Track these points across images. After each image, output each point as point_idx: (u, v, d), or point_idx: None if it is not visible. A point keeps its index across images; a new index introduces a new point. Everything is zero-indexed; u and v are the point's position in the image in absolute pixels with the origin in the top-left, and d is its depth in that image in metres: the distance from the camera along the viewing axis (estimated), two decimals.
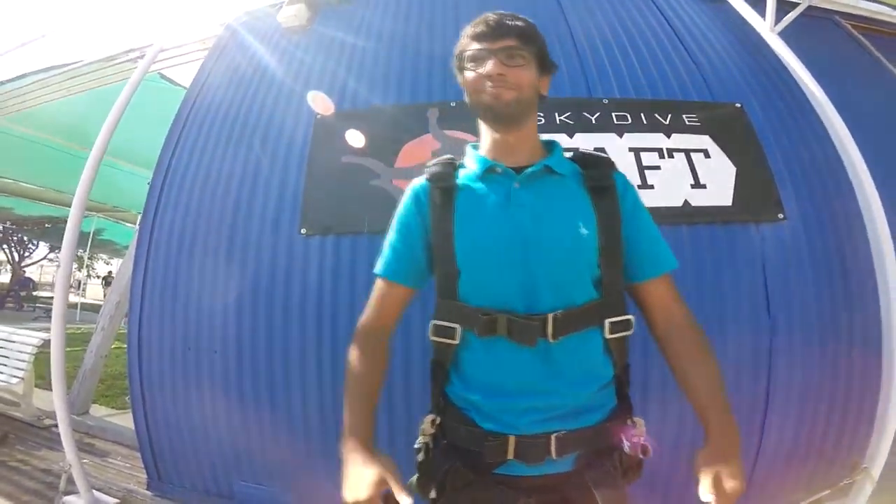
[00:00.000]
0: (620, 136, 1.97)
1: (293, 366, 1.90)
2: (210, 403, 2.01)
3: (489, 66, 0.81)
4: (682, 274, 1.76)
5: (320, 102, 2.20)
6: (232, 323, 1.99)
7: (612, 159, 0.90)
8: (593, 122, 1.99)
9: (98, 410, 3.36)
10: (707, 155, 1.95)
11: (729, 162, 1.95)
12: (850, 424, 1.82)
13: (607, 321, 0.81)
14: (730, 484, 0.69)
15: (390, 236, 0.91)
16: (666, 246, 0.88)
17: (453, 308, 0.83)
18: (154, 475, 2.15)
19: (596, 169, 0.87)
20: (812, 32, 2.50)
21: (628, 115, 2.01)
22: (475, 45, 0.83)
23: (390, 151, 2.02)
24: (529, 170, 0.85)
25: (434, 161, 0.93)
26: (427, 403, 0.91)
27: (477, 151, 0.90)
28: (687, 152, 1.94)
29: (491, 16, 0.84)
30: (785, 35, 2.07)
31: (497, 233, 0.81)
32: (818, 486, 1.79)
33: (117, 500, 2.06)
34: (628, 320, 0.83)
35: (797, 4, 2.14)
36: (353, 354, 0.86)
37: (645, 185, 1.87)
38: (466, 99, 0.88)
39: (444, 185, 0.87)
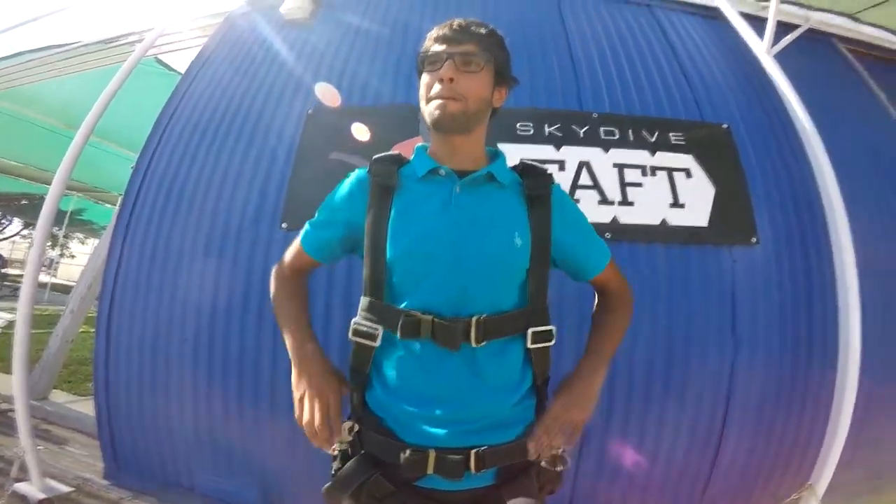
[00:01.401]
0: (606, 150, 2.00)
1: (265, 360, 1.87)
2: (177, 393, 1.97)
3: (442, 70, 0.81)
4: (654, 291, 1.83)
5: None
6: (206, 312, 1.96)
7: (552, 173, 0.93)
8: (581, 135, 2.02)
9: (58, 396, 3.23)
10: (689, 175, 1.99)
11: (709, 183, 1.99)
12: (801, 444, 1.87)
13: (530, 330, 0.82)
14: (570, 424, 0.79)
15: (318, 212, 0.94)
16: (601, 240, 0.96)
17: (377, 308, 0.82)
18: (112, 463, 2.09)
19: (535, 179, 0.90)
20: (808, 54, 2.52)
21: (616, 131, 2.04)
22: (435, 47, 0.84)
23: (379, 151, 2.01)
24: (472, 175, 0.85)
25: (380, 155, 0.92)
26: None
27: (425, 152, 0.91)
28: (669, 171, 1.98)
29: (457, 20, 0.85)
30: (781, 56, 2.08)
31: (434, 233, 0.81)
32: (769, 502, 1.83)
33: (71, 489, 1.98)
34: (550, 331, 0.84)
35: (797, 26, 2.16)
36: (280, 291, 0.94)
37: (625, 201, 1.91)
38: (420, 103, 0.87)
39: (384, 182, 0.87)
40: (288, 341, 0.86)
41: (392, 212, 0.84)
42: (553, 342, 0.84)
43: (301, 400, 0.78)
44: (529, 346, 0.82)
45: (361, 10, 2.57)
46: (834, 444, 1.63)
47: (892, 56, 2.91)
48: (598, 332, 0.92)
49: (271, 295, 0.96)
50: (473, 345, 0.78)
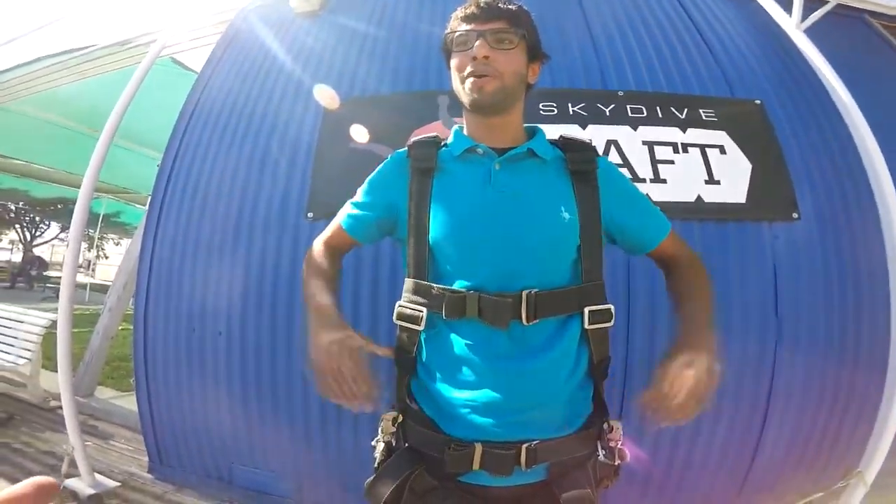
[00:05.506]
0: (635, 128, 1.92)
1: (296, 350, 1.89)
2: (213, 386, 2.01)
3: (476, 48, 0.79)
4: None
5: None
6: (237, 305, 1.99)
7: (596, 146, 0.89)
8: (607, 113, 1.95)
9: (104, 392, 3.37)
10: (723, 151, 1.90)
11: (745, 158, 1.90)
12: (846, 428, 1.80)
13: (587, 308, 0.77)
14: (695, 379, 0.68)
15: (360, 192, 0.93)
16: (658, 212, 0.91)
17: (421, 289, 0.79)
18: (156, 458, 2.17)
19: (578, 153, 0.85)
20: (840, 31, 2.41)
21: (643, 108, 1.97)
22: (464, 27, 0.82)
23: (399, 138, 1.99)
24: (511, 152, 0.83)
25: (417, 138, 0.90)
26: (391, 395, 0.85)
27: (462, 132, 0.90)
28: (702, 147, 1.89)
29: None
30: (811, 32, 1.99)
31: (474, 213, 0.79)
32: (811, 489, 1.77)
33: (118, 483, 2.06)
34: (608, 310, 0.79)
35: (826, 2, 2.06)
36: (309, 268, 0.90)
37: (657, 178, 1.84)
38: (452, 85, 0.85)
39: (423, 164, 0.85)
40: (309, 316, 0.81)
41: (432, 192, 0.82)
42: (612, 323, 0.80)
43: (319, 367, 0.71)
44: (587, 326, 0.77)
45: (372, 0, 2.52)
46: (885, 429, 1.55)
47: None
48: (689, 301, 0.83)
49: (302, 275, 0.93)
50: (524, 323, 0.74)
